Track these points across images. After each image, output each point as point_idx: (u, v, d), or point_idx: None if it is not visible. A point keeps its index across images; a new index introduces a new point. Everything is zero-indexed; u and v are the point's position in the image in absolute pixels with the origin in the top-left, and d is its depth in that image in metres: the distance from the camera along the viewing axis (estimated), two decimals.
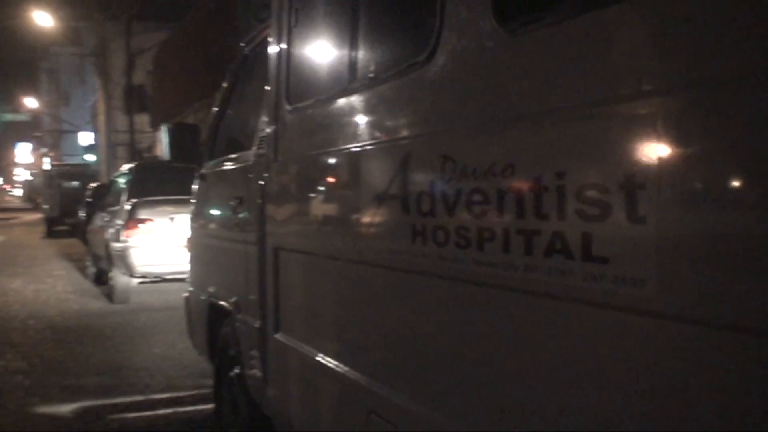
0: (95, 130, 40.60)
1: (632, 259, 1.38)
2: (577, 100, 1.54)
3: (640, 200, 1.35)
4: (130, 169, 11.86)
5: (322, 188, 2.93)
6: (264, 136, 3.56)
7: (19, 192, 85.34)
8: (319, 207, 2.95)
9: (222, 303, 4.26)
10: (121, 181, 11.71)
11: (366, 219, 2.48)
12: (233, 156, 4.22)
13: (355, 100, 2.57)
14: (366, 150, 2.49)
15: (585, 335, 1.53)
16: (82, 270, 14.18)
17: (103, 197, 13.05)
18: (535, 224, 1.62)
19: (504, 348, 1.79)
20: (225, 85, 4.72)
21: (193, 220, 5.25)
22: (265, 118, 3.55)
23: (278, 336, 3.35)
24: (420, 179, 2.13)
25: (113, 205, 11.35)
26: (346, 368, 2.68)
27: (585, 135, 1.50)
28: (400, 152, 2.24)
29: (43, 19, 27.52)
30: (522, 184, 1.66)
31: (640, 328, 1.39)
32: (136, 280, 10.31)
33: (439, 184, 2.00)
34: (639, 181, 1.35)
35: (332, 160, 2.80)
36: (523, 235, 1.66)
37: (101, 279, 11.96)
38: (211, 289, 4.54)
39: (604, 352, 1.48)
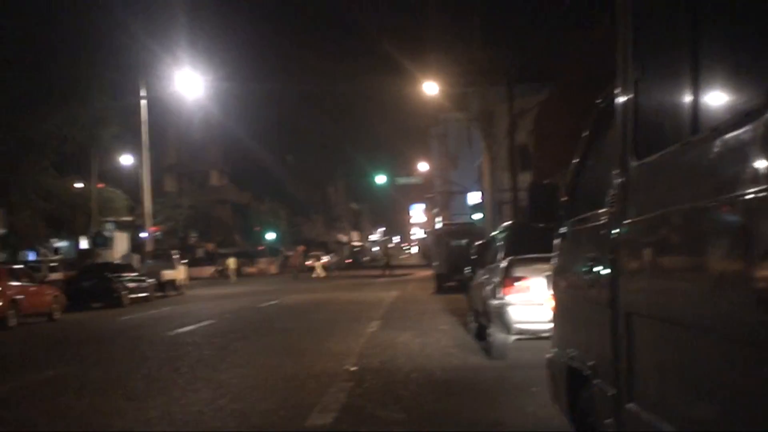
0: (481, 190, 42.45)
1: None
2: None
3: None
4: (506, 227, 12.13)
5: (674, 250, 2.72)
6: (613, 193, 3.41)
7: (414, 249, 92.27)
8: (675, 270, 2.72)
9: (580, 367, 4.12)
10: (499, 238, 12.02)
11: (722, 286, 2.23)
12: (587, 214, 4.11)
13: (700, 153, 2.36)
14: (712, 208, 2.27)
15: None
16: (465, 325, 14.73)
17: (484, 254, 13.47)
18: None
19: None
20: (582, 143, 4.65)
21: (553, 279, 5.20)
22: (613, 174, 3.41)
23: (631, 406, 3.14)
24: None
25: (491, 263, 11.65)
26: None
27: None
28: (747, 211, 2.01)
29: (432, 90, 29.83)
30: None
31: None
32: (513, 337, 10.41)
33: None
34: None
35: (683, 219, 2.59)
36: None
37: (481, 334, 12.27)
38: (571, 352, 4.42)
39: None
